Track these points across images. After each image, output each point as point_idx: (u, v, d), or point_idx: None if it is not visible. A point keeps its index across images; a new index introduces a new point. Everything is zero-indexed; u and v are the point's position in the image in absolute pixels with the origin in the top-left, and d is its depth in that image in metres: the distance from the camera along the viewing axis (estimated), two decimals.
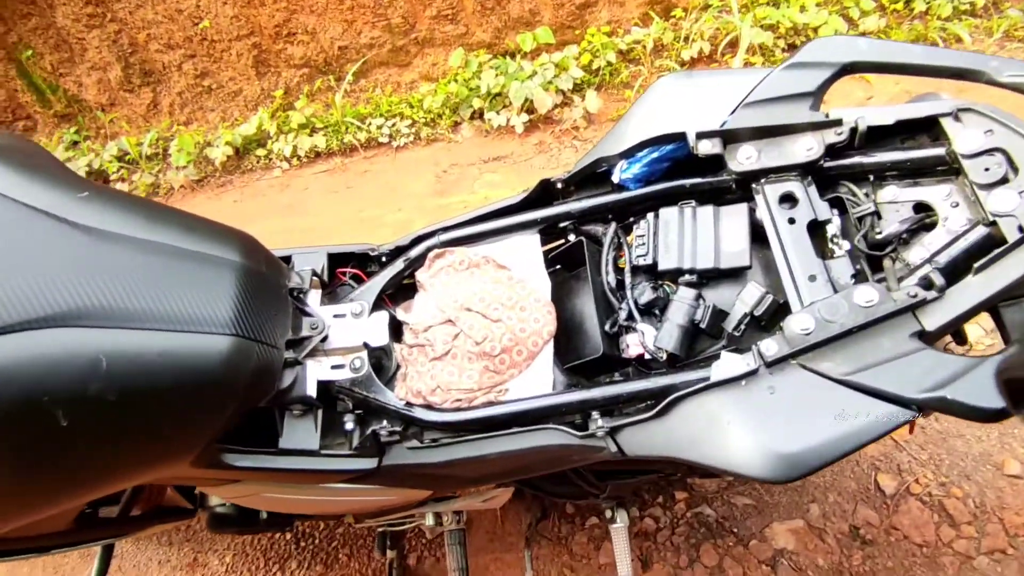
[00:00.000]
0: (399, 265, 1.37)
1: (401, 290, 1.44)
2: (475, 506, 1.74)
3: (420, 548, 2.16)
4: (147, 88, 3.57)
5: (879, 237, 1.10)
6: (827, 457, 0.92)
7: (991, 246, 0.99)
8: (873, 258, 1.11)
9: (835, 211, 1.14)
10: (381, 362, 1.32)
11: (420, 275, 1.37)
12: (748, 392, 0.99)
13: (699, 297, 1.15)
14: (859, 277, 1.08)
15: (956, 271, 1.01)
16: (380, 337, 1.28)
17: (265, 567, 2.15)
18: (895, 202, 1.13)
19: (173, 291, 1.02)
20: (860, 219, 1.13)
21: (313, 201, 3.57)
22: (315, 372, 1.26)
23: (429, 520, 1.77)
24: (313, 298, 1.34)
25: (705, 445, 1.00)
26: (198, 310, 1.03)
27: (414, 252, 1.38)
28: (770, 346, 1.00)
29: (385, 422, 1.24)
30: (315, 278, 1.34)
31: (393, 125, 3.72)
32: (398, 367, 1.29)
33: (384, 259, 1.41)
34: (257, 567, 2.15)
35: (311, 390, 1.23)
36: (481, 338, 1.25)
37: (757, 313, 1.11)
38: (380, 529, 1.87)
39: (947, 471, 2.10)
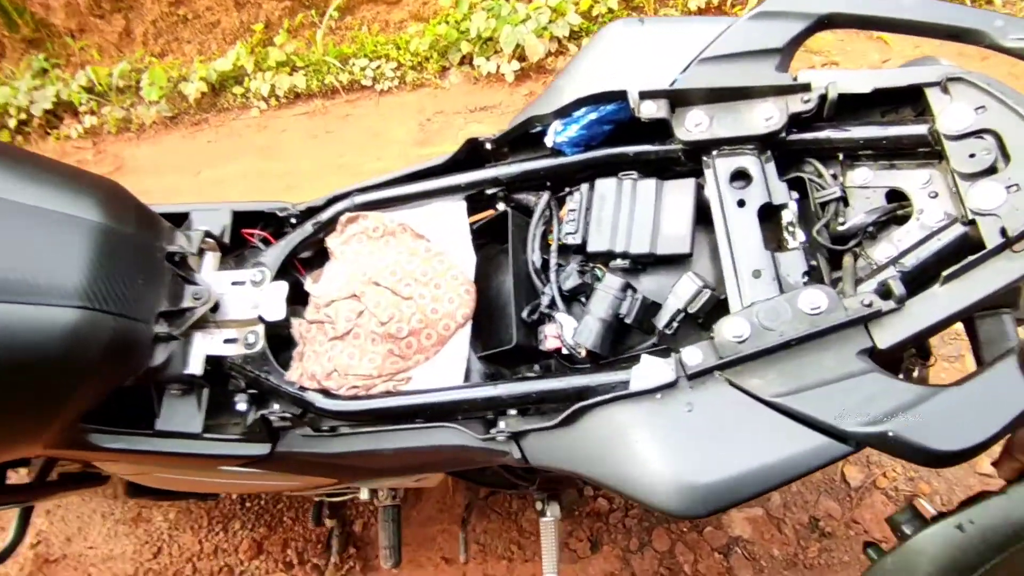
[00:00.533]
0: (308, 229, 1.21)
1: (322, 256, 1.28)
2: (408, 484, 1.63)
3: (367, 515, 2.08)
4: (119, 15, 3.34)
5: (842, 228, 0.91)
6: (741, 494, 0.77)
7: (967, 250, 0.81)
8: (835, 253, 0.93)
9: (795, 194, 0.95)
10: (293, 338, 1.17)
11: (331, 241, 1.20)
12: (663, 408, 0.83)
13: (627, 287, 0.98)
14: (813, 275, 0.90)
15: (925, 276, 0.83)
16: (275, 310, 1.13)
17: (208, 526, 2.08)
18: (866, 187, 0.94)
19: (10, 256, 0.87)
20: (824, 205, 0.94)
21: (291, 144, 3.37)
22: (204, 346, 1.12)
23: (364, 495, 1.66)
24: (209, 263, 1.19)
25: (610, 463, 0.85)
26: (39, 278, 0.88)
27: (326, 214, 1.21)
28: (693, 355, 0.84)
29: (277, 406, 1.10)
30: (210, 240, 1.18)
31: (378, 67, 3.47)
32: (296, 345, 1.15)
33: (294, 220, 1.24)
34: (200, 526, 2.08)
35: (194, 367, 1.09)
36: (387, 317, 1.09)
37: (691, 310, 0.93)
38: (317, 499, 1.77)
39: (918, 466, 1.96)
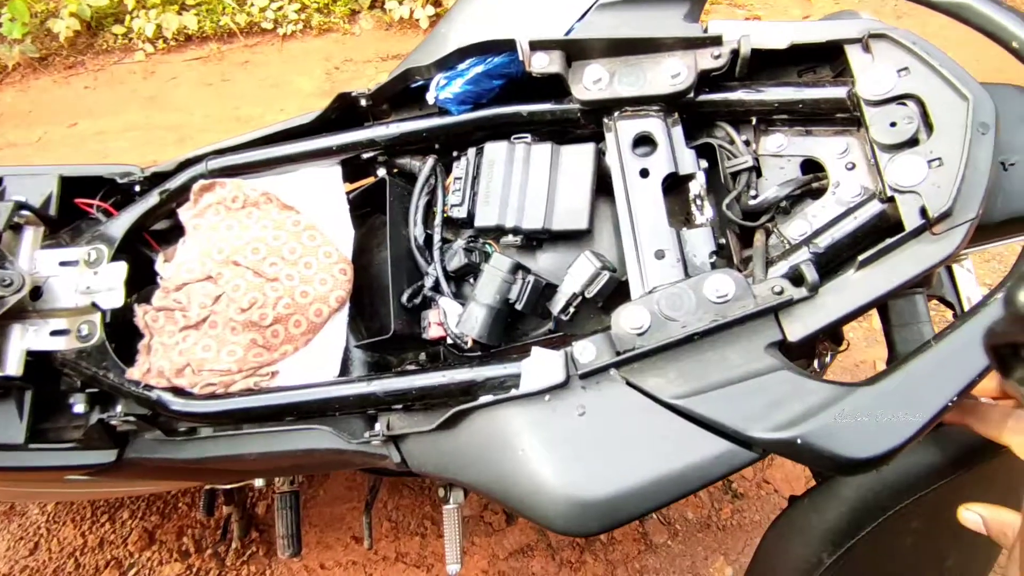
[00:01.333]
0: (153, 198, 1.00)
1: (180, 231, 1.07)
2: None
3: (271, 496, 1.91)
4: None
5: (754, 203, 0.80)
6: (636, 510, 0.66)
7: (885, 229, 0.72)
8: (745, 229, 0.82)
9: (703, 163, 0.83)
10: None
11: (183, 214, 1.00)
12: (552, 412, 0.71)
13: (517, 268, 0.84)
14: (721, 255, 0.79)
15: (840, 258, 0.74)
16: (113, 296, 0.93)
17: (92, 517, 1.86)
18: (780, 155, 0.83)
19: None
20: (735, 175, 0.83)
21: (182, 94, 3.00)
22: (23, 341, 0.91)
23: (258, 482, 1.50)
24: (28, 240, 0.96)
25: (495, 473, 0.73)
26: None
27: (176, 182, 1.00)
28: (586, 351, 0.72)
29: (120, 407, 0.92)
30: (26, 212, 0.95)
31: (279, 8, 3.11)
32: (142, 337, 0.95)
33: (139, 188, 1.03)
34: (83, 517, 1.86)
35: (10, 367, 0.88)
36: (248, 303, 0.91)
37: (589, 295, 0.81)
38: (206, 487, 1.59)
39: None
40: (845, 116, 0.79)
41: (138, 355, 0.94)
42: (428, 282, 0.91)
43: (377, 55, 3.07)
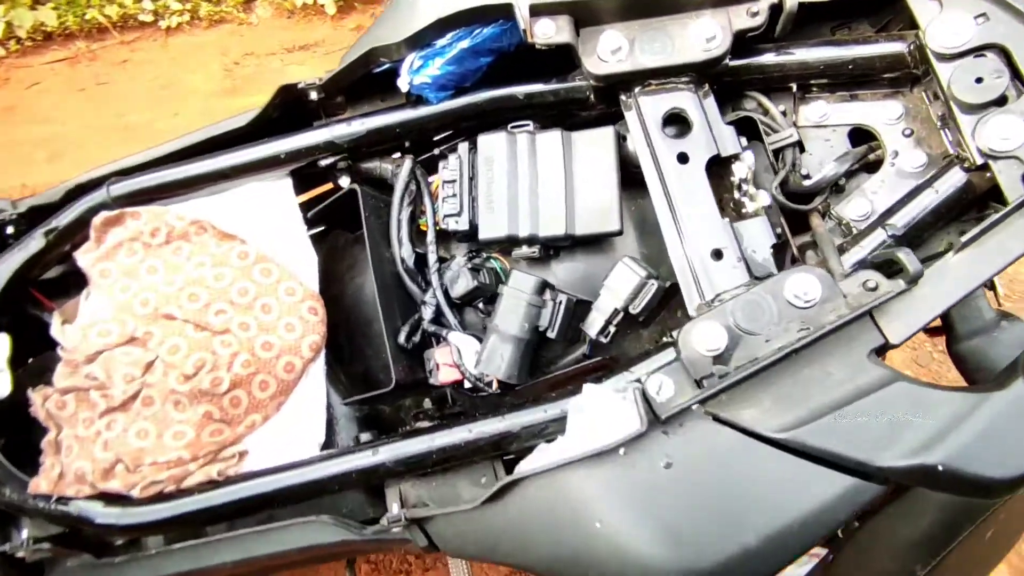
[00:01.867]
0: (36, 241, 0.74)
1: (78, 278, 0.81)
2: None
3: None
4: None
5: (809, 183, 0.68)
6: (762, 574, 0.53)
7: (970, 202, 0.61)
8: (795, 213, 0.70)
9: (743, 139, 0.69)
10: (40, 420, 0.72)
11: (83, 259, 0.75)
12: (631, 468, 0.56)
13: (544, 288, 0.67)
14: (781, 249, 0.66)
15: (920, 238, 0.63)
16: None
17: None
18: (824, 126, 0.71)
19: None
20: (777, 152, 0.70)
21: (48, 102, 2.54)
22: None
23: None
24: None
25: (565, 554, 0.57)
26: None
27: (67, 217, 0.75)
28: (663, 386, 0.57)
29: (27, 531, 0.68)
30: None
31: None
32: (47, 431, 0.71)
33: (12, 229, 0.76)
34: None
35: None
36: (194, 367, 0.69)
37: (634, 310, 0.66)
38: None
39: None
40: (895, 76, 0.67)
41: (43, 457, 0.70)
42: (427, 313, 0.72)
43: (281, 46, 2.73)
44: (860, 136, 0.70)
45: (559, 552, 0.57)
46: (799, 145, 0.70)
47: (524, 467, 0.62)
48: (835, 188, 0.69)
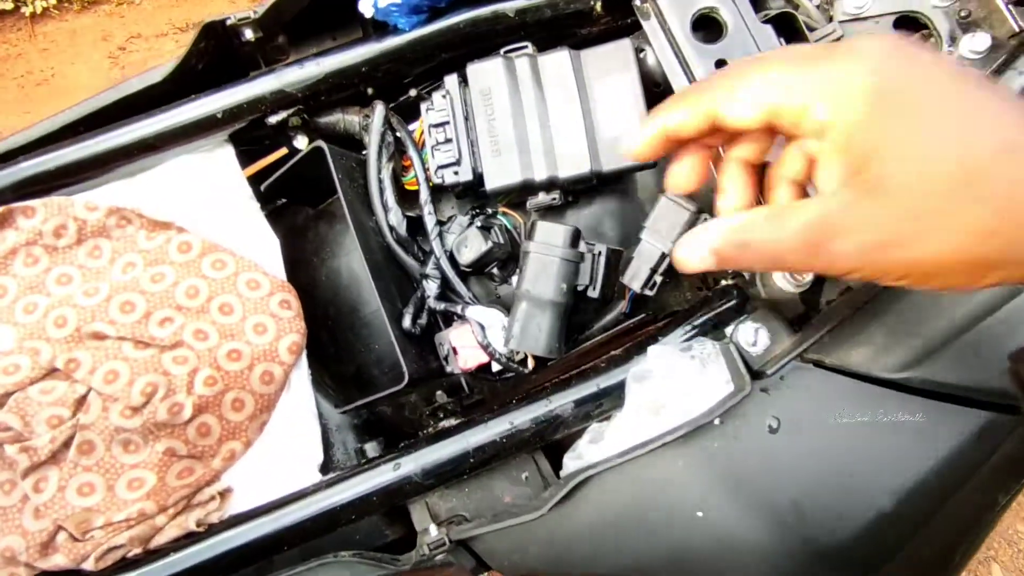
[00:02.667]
0: None
1: None
2: None
3: None
4: None
5: None
6: (904, 538, 0.44)
7: None
8: None
9: (781, 40, 0.59)
10: None
11: None
12: (733, 440, 0.45)
13: (578, 237, 0.55)
14: None
15: None
16: None
17: None
18: (865, 17, 0.62)
19: None
20: None
21: None
22: None
23: None
24: None
25: (660, 554, 0.47)
26: None
27: None
28: (759, 335, 0.46)
29: None
30: None
31: None
32: None
33: None
34: None
35: None
36: (142, 395, 0.53)
37: None
38: None
39: None
40: None
41: None
42: (431, 289, 0.59)
43: (172, 26, 2.43)
44: (907, 25, 0.61)
45: (652, 552, 0.46)
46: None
47: (589, 455, 0.51)
48: None
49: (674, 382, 0.50)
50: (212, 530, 0.53)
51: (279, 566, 0.55)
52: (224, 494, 0.56)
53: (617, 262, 0.58)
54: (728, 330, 0.48)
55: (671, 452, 0.46)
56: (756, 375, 0.45)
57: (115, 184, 0.61)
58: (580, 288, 0.55)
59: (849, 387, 0.46)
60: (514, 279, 0.58)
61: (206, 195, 0.62)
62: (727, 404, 0.43)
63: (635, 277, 0.57)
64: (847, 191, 0.26)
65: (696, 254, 0.31)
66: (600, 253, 0.55)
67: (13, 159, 0.58)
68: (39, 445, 0.52)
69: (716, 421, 0.45)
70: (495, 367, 0.57)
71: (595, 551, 0.48)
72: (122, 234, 0.59)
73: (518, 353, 0.56)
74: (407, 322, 0.57)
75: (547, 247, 0.53)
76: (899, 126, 0.25)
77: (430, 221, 0.59)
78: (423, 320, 0.59)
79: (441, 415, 0.60)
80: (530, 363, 0.56)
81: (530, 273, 0.54)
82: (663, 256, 0.56)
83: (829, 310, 0.47)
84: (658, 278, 0.57)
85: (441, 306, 0.58)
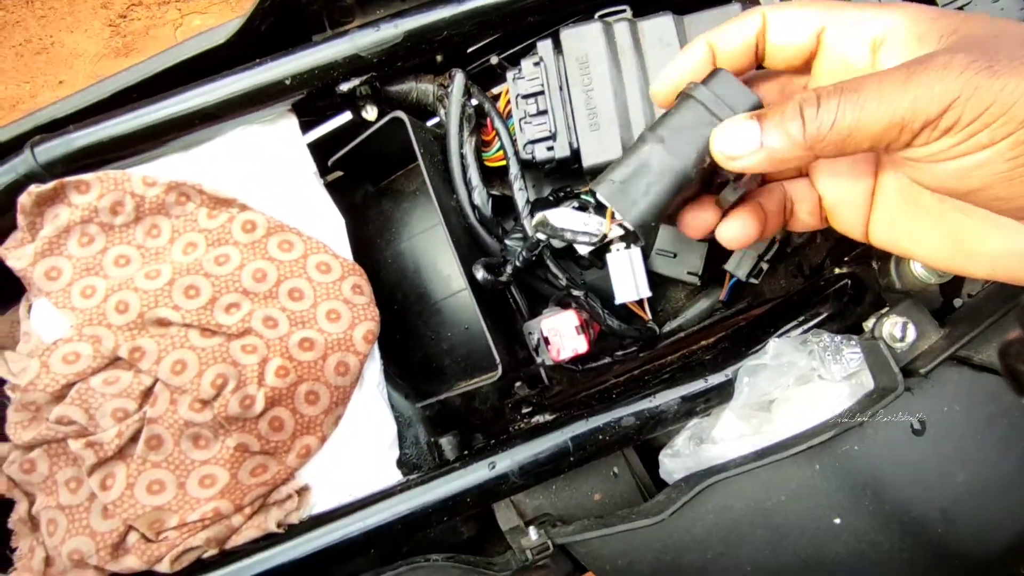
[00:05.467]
0: None
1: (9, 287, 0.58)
2: None
3: None
4: None
5: None
6: None
7: None
8: None
9: None
10: None
11: (13, 256, 0.52)
12: (871, 442, 0.42)
13: None
14: None
15: None
16: None
17: None
18: None
19: None
20: None
21: None
22: None
23: None
24: None
25: (791, 566, 0.44)
26: None
27: None
28: (907, 329, 0.43)
29: None
30: None
31: None
32: (13, 505, 0.50)
33: None
34: None
35: None
36: (212, 386, 0.49)
37: (800, 236, 0.52)
38: None
39: None
40: None
41: (15, 541, 0.49)
42: (515, 248, 0.54)
43: None
44: None
45: (782, 560, 0.43)
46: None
47: (699, 456, 0.48)
48: None
49: (789, 378, 0.46)
50: (294, 531, 0.50)
51: (360, 570, 0.52)
52: (302, 492, 0.52)
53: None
54: (868, 324, 0.44)
55: (805, 454, 0.42)
56: (906, 373, 0.42)
57: (172, 157, 0.56)
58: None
59: (999, 388, 0.42)
60: (610, 253, 0.53)
61: (269, 169, 0.57)
62: (877, 406, 0.40)
63: (741, 264, 0.53)
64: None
65: (745, 145, 0.31)
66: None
67: (62, 128, 0.53)
68: (105, 440, 0.48)
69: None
70: (612, 326, 0.51)
71: (716, 559, 0.45)
72: (182, 211, 0.55)
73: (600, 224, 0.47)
74: (481, 272, 0.51)
75: (719, 105, 0.35)
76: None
77: (520, 198, 0.54)
78: (506, 275, 0.53)
79: (525, 408, 0.56)
80: (609, 227, 0.48)
81: (676, 120, 0.37)
82: (774, 242, 0.52)
83: (976, 303, 0.43)
84: (764, 265, 0.53)
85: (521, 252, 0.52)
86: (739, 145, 0.31)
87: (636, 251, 0.52)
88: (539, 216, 0.47)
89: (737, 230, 0.36)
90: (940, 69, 0.26)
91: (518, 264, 0.54)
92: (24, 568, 0.47)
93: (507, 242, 0.56)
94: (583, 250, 0.48)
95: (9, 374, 0.50)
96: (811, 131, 0.28)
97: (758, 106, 0.34)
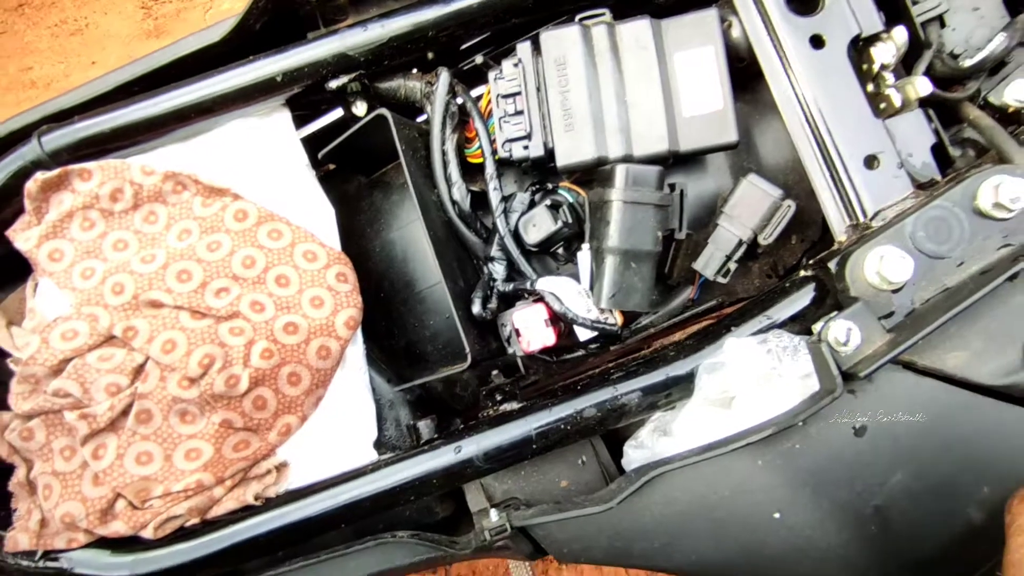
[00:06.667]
0: None
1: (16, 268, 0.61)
2: None
3: None
4: None
5: (971, 63, 0.54)
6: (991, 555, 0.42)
7: None
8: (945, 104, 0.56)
9: (881, 15, 0.54)
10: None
11: (21, 239, 0.56)
12: (816, 441, 0.44)
13: (663, 179, 0.52)
14: (940, 149, 0.53)
15: None
16: None
17: None
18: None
19: None
20: (923, 27, 0.56)
21: None
22: None
23: None
24: None
25: (732, 554, 0.45)
26: None
27: None
28: (851, 333, 0.43)
29: None
30: None
31: None
32: (13, 470, 0.53)
33: None
34: None
35: None
36: (199, 365, 0.52)
37: (765, 240, 0.53)
38: None
39: None
40: None
41: (14, 503, 0.53)
42: (498, 271, 0.56)
43: None
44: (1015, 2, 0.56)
45: (723, 550, 0.45)
46: (940, 20, 0.56)
47: (657, 448, 0.49)
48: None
49: (748, 375, 0.47)
50: (270, 504, 0.53)
51: (334, 542, 0.55)
52: (281, 468, 0.55)
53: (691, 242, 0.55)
54: (816, 327, 0.45)
55: (749, 450, 0.44)
56: (846, 376, 0.43)
57: (170, 148, 0.58)
58: (670, 231, 0.52)
59: (941, 392, 0.43)
60: (581, 251, 0.55)
61: (261, 161, 0.60)
62: (815, 407, 0.41)
63: (708, 263, 0.54)
64: None
65: None
66: (683, 192, 0.52)
67: (67, 119, 0.56)
68: (98, 412, 0.51)
69: (799, 422, 0.43)
70: (582, 334, 0.54)
71: (663, 546, 0.47)
72: (178, 200, 0.57)
73: (605, 313, 0.53)
74: (477, 308, 0.55)
75: (638, 192, 0.49)
76: None
77: (495, 197, 0.56)
78: (493, 304, 0.56)
79: (498, 396, 0.58)
80: (619, 319, 0.53)
81: (621, 225, 0.50)
82: (740, 243, 0.53)
83: (924, 310, 0.44)
84: (732, 265, 0.54)
85: (510, 287, 0.56)
86: None
87: None
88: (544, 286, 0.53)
89: None
90: None
91: (501, 288, 0.56)
92: (21, 528, 0.51)
93: (488, 267, 0.57)
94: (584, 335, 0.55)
95: (14, 348, 0.54)
96: None
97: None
